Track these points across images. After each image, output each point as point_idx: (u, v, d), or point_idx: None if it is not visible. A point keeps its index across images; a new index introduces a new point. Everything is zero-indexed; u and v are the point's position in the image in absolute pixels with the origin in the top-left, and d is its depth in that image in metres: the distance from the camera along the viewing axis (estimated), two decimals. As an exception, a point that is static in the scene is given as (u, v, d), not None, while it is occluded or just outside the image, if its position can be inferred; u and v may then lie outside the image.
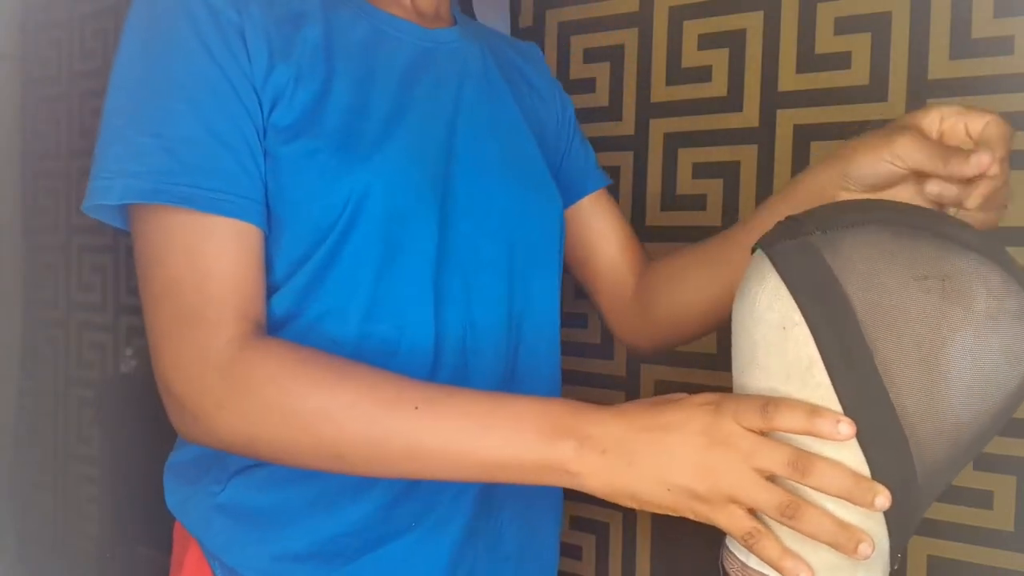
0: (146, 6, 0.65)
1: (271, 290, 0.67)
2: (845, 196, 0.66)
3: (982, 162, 0.57)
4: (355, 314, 0.67)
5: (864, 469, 0.52)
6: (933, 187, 0.61)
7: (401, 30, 0.75)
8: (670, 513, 0.56)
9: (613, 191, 1.28)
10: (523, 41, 0.94)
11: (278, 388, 0.59)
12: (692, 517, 0.55)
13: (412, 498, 0.70)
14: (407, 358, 0.68)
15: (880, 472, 0.52)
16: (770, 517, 0.53)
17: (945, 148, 0.60)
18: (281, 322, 0.67)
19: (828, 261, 0.53)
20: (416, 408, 0.57)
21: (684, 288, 0.83)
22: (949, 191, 0.60)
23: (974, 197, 0.59)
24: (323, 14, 0.70)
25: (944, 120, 0.63)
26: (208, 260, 0.61)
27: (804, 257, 0.54)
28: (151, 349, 0.63)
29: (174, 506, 0.73)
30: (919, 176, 0.63)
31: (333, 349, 0.64)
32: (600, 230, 0.88)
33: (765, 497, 0.52)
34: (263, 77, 0.65)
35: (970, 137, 0.62)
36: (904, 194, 0.65)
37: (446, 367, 0.70)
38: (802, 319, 0.53)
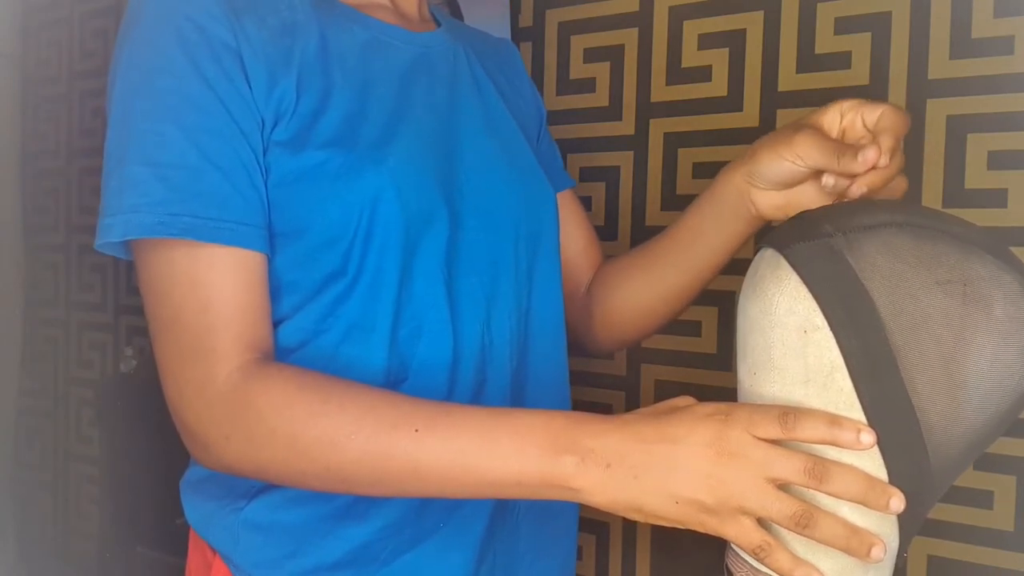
0: (135, 33, 0.64)
1: (292, 312, 0.67)
2: (756, 194, 0.71)
3: (868, 158, 0.61)
4: (382, 323, 0.67)
5: (881, 473, 0.52)
6: (828, 179, 0.64)
7: (392, 36, 0.74)
8: (677, 526, 0.55)
9: (613, 191, 1.29)
10: (499, 38, 0.94)
11: (280, 417, 0.59)
12: (700, 530, 0.54)
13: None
14: (426, 362, 0.68)
15: (898, 477, 0.52)
16: (783, 527, 0.52)
17: (839, 146, 0.63)
18: (304, 342, 0.67)
19: (852, 265, 0.53)
20: (416, 431, 0.57)
21: (630, 288, 0.85)
22: (842, 183, 0.63)
23: (857, 186, 0.62)
24: (317, 24, 0.69)
25: (844, 116, 0.66)
26: (210, 291, 0.61)
27: (827, 260, 0.53)
28: (161, 379, 0.64)
29: (197, 523, 0.71)
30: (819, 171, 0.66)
31: (361, 365, 0.65)
32: (565, 231, 0.88)
33: (778, 508, 0.51)
34: (264, 96, 0.64)
35: (868, 129, 0.65)
36: (809, 190, 0.69)
37: (465, 368, 0.70)
38: (825, 323, 0.53)
